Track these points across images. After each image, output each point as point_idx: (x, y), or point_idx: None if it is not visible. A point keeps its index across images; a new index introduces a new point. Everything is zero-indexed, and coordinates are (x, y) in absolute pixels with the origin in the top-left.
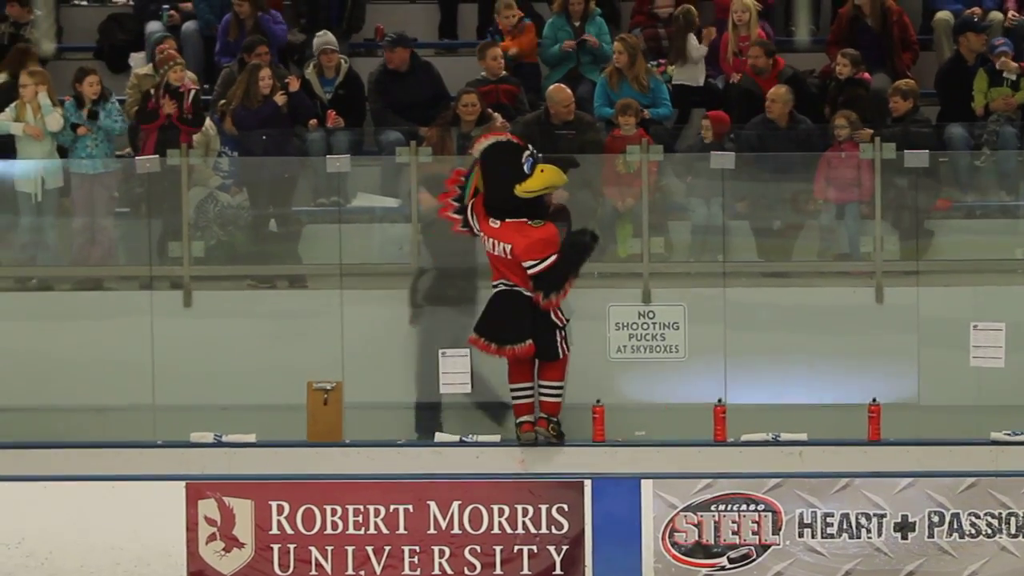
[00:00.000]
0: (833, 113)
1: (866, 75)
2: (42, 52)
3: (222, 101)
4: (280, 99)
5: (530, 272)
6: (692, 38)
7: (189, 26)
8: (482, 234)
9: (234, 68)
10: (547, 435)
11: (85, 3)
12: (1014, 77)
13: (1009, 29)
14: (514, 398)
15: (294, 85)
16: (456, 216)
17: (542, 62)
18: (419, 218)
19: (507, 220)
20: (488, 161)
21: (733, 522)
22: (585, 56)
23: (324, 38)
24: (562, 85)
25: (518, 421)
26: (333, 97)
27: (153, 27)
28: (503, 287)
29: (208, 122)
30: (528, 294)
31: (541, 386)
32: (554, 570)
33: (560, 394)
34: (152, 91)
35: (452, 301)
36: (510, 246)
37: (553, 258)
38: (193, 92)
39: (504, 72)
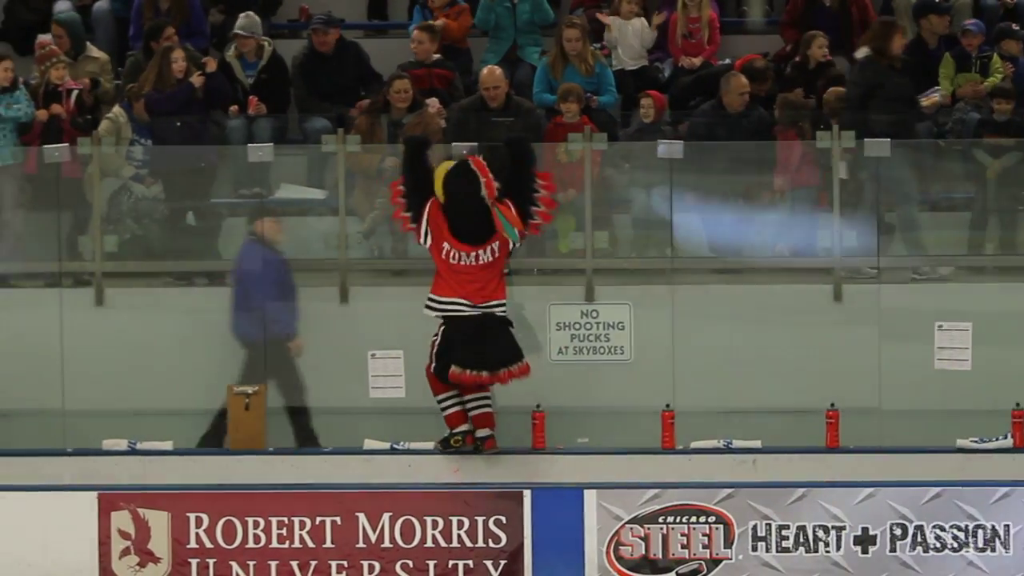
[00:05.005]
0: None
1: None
2: None
3: (131, 85)
4: (197, 80)
5: None
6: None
7: (101, 6)
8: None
9: (139, 56)
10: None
11: None
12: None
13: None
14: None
15: (211, 66)
16: None
17: (477, 25)
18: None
19: None
20: None
21: (682, 535)
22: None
23: (243, 20)
24: (494, 67)
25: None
26: (256, 82)
27: (62, 7)
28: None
29: (117, 108)
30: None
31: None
32: None
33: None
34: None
35: None
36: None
37: None
38: (76, 91)
39: (437, 56)
